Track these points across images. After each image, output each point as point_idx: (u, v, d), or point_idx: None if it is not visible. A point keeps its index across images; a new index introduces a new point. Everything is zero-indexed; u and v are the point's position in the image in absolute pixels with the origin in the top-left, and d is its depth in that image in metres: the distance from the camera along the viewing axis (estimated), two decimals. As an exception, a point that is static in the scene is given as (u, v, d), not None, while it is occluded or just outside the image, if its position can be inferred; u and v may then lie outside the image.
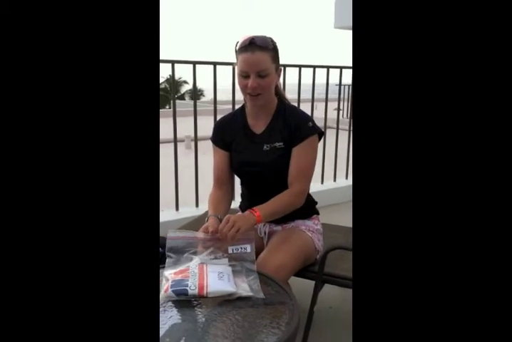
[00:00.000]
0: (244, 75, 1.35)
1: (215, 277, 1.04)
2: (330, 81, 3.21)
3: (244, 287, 1.05)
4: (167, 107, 20.99)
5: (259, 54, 1.32)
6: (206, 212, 1.49)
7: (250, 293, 1.03)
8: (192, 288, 1.00)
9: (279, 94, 1.51)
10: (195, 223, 1.87)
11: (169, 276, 1.07)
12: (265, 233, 1.56)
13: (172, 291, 1.00)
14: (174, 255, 1.15)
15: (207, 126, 3.20)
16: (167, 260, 1.15)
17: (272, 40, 1.37)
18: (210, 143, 1.55)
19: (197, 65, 2.51)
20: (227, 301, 1.01)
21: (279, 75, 1.43)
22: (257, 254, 1.39)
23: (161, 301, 1.01)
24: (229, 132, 1.51)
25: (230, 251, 1.19)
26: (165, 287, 1.02)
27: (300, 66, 2.90)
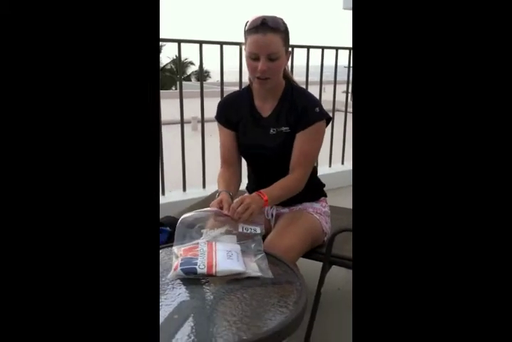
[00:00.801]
0: (254, 58, 1.31)
1: (224, 256, 1.05)
2: (339, 63, 3.16)
3: (253, 267, 1.05)
4: (174, 88, 20.86)
5: (270, 36, 1.28)
6: (213, 193, 1.49)
7: (259, 273, 1.03)
8: (201, 267, 1.00)
9: (287, 76, 1.48)
10: (203, 204, 1.87)
11: (178, 253, 1.08)
12: (272, 215, 1.56)
13: (181, 269, 1.01)
14: (184, 227, 1.15)
15: (213, 108, 3.17)
16: (176, 231, 1.14)
17: (283, 22, 1.33)
18: (216, 125, 1.53)
19: (203, 46, 2.48)
20: (235, 280, 1.02)
21: (288, 58, 1.40)
22: (264, 236, 1.39)
23: (170, 279, 1.02)
24: (235, 112, 1.49)
25: (240, 229, 1.18)
26: (175, 265, 1.03)
27: (308, 47, 2.86)
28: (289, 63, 2.00)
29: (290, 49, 1.42)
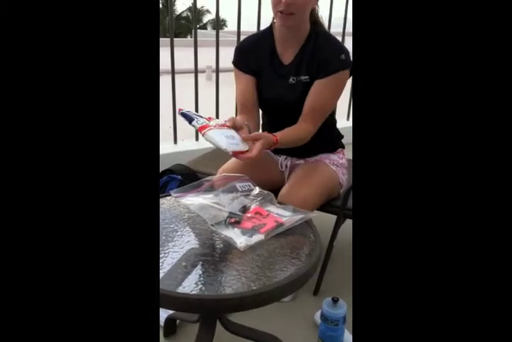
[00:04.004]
0: None
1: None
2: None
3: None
4: (189, 37, 20.30)
5: None
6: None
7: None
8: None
9: (315, 20, 1.33)
10: (214, 153, 1.82)
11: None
12: (287, 167, 1.50)
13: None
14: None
15: (229, 57, 3.03)
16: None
17: None
18: (231, 75, 1.42)
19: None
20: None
21: None
22: (278, 188, 1.34)
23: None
24: (255, 58, 1.37)
25: (238, 188, 1.11)
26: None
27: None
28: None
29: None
